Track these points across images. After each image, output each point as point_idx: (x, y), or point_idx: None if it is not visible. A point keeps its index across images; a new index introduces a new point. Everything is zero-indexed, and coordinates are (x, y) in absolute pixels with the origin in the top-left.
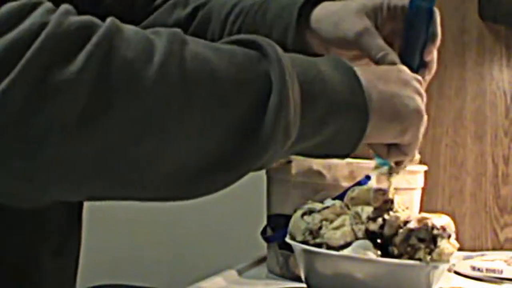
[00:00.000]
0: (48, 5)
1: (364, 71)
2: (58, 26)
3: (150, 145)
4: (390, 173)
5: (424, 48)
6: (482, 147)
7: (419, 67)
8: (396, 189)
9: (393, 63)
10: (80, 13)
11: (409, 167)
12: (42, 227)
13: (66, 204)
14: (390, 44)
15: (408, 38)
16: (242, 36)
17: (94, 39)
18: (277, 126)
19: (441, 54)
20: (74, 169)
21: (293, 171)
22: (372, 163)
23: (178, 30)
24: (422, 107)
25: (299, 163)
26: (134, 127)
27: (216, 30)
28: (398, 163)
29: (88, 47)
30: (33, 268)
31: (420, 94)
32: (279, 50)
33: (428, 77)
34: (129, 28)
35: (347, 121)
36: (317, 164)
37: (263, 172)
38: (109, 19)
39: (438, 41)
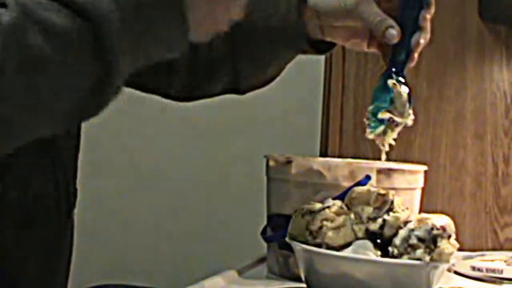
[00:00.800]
0: None
1: None
2: None
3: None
4: (385, 132)
5: (419, 14)
6: (482, 147)
7: (413, 32)
8: (396, 189)
9: (390, 27)
10: None
11: (410, 168)
12: (28, 230)
13: (53, 202)
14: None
15: (404, 5)
16: None
17: None
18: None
19: (441, 54)
20: None
21: (293, 171)
22: (372, 162)
23: (21, 14)
24: None
25: (299, 163)
26: None
27: None
28: (392, 121)
29: None
30: (19, 272)
31: None
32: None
33: (423, 41)
34: None
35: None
36: (317, 164)
37: (263, 172)
38: None
39: (432, 8)
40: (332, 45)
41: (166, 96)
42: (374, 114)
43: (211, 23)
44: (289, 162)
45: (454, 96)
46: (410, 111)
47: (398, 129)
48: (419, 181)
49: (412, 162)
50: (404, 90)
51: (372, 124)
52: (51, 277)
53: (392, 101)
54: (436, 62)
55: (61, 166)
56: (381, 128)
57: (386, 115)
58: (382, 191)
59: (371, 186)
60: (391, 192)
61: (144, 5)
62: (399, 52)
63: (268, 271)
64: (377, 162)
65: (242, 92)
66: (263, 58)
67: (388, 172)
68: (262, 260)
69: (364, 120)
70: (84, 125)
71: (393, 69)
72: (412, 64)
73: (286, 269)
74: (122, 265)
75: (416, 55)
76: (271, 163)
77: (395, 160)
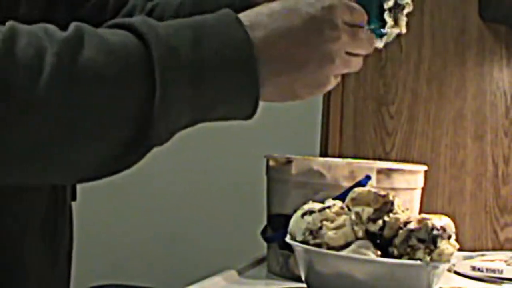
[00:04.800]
0: None
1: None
2: None
3: (50, 162)
4: (395, 20)
5: None
6: (482, 147)
7: None
8: (396, 189)
9: None
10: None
11: (410, 168)
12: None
13: (49, 205)
14: None
15: None
16: (123, 21)
17: None
18: (161, 127)
19: (441, 54)
20: None
21: (293, 171)
22: (372, 162)
23: (73, 32)
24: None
25: (299, 163)
26: (33, 148)
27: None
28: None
29: None
30: (19, 271)
31: (336, 39)
32: (160, 31)
33: None
34: (22, 40)
35: (236, 102)
36: (317, 164)
37: (263, 172)
38: (5, 29)
39: None
40: None
41: None
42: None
43: (285, 96)
44: (289, 162)
45: (454, 96)
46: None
47: (406, 10)
48: (419, 181)
49: (412, 162)
50: None
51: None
52: (51, 269)
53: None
54: (436, 62)
55: None
56: (390, 31)
57: (390, 3)
58: (383, 192)
59: (372, 187)
60: (392, 193)
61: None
62: None
63: (268, 271)
64: (377, 162)
65: None
66: None
67: (388, 172)
68: (262, 260)
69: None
70: None
71: None
72: None
73: (286, 269)
74: (122, 265)
75: None
76: (271, 163)
77: (395, 160)
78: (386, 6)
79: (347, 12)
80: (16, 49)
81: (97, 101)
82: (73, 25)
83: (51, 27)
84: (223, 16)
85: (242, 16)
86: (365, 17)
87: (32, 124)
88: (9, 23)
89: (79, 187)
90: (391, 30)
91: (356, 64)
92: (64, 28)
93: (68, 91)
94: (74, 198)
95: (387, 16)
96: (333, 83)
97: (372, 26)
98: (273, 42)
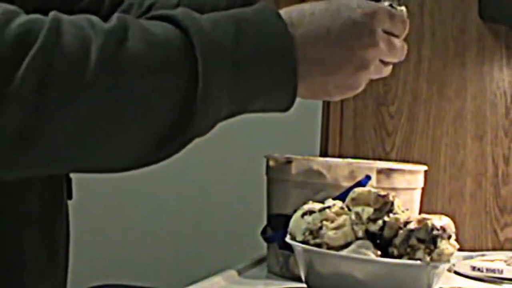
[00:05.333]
0: None
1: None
2: None
3: (90, 153)
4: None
5: None
6: (482, 147)
7: None
8: (396, 189)
9: None
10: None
11: (410, 168)
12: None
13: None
14: None
15: None
16: (165, 13)
17: (31, 53)
18: (204, 113)
19: (441, 54)
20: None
21: (293, 171)
22: (372, 162)
23: (117, 24)
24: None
25: (299, 163)
26: (72, 139)
27: None
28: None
29: (26, 62)
30: (18, 261)
31: (374, 45)
32: (204, 24)
33: None
34: (67, 31)
35: (274, 94)
36: (317, 164)
37: (263, 172)
38: (50, 19)
39: None
40: None
41: None
42: None
43: (321, 94)
44: (289, 162)
45: (454, 96)
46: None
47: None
48: (419, 181)
49: (412, 162)
50: None
51: None
52: (50, 268)
53: None
54: (436, 62)
55: None
56: None
57: (385, 4)
58: (383, 193)
59: (372, 187)
60: (392, 193)
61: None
62: None
63: (268, 271)
64: (377, 162)
65: None
66: None
67: (388, 172)
68: (262, 260)
69: None
70: None
71: None
72: None
73: (286, 269)
74: (122, 265)
75: None
76: (271, 163)
77: (395, 160)
78: None
79: (388, 20)
80: (62, 40)
81: (140, 91)
82: (116, 16)
83: (95, 18)
84: (263, 10)
85: (283, 12)
86: (406, 26)
87: (76, 114)
88: (53, 13)
89: (75, 185)
90: None
91: (387, 71)
92: None
93: (112, 82)
94: (70, 197)
95: None
96: (363, 86)
97: None
98: (312, 41)
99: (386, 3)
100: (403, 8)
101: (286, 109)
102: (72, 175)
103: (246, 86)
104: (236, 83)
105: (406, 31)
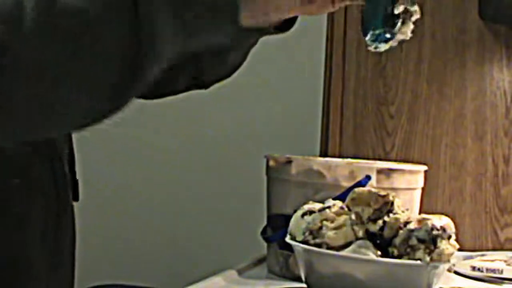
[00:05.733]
0: None
1: None
2: None
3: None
4: (403, 22)
5: None
6: (482, 147)
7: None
8: (395, 189)
9: None
10: None
11: (410, 168)
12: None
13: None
14: None
15: None
16: None
17: None
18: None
19: (441, 54)
20: None
21: (293, 171)
22: (372, 162)
23: None
24: None
25: (299, 163)
26: (15, 105)
27: None
28: (406, 12)
29: None
30: (23, 263)
31: None
32: None
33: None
34: None
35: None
36: (317, 164)
37: (263, 172)
38: None
39: None
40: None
41: None
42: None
43: (267, 10)
44: (289, 162)
45: (454, 96)
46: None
47: (414, 17)
48: (419, 181)
49: (412, 162)
50: None
51: (382, 39)
52: (55, 270)
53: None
54: (436, 62)
55: (56, 153)
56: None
57: (400, 8)
58: (383, 193)
59: (372, 187)
60: (392, 193)
61: None
62: None
63: (268, 271)
64: (377, 162)
65: (206, 86)
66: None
67: (388, 172)
68: (262, 260)
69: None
70: None
71: None
72: None
73: (286, 269)
74: (122, 265)
75: None
76: (271, 163)
77: (395, 160)
78: (396, 11)
79: None
80: None
81: (82, 42)
82: None
83: None
84: None
85: None
86: None
87: (20, 75)
88: None
89: (82, 188)
90: (397, 36)
91: None
92: None
93: (51, 38)
94: (76, 198)
95: (397, 22)
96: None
97: (377, 31)
98: None
99: (401, 7)
100: (416, 8)
101: (235, 39)
102: (78, 177)
103: (190, 20)
104: (179, 20)
105: None
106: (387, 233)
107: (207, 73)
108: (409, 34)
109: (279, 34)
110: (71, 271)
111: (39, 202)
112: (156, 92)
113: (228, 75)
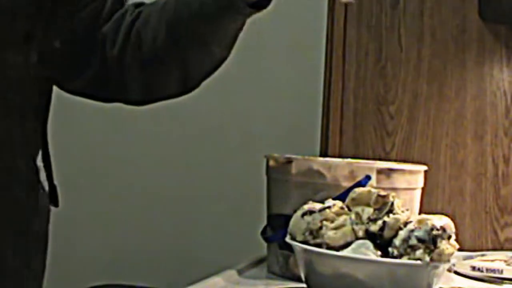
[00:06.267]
0: None
1: None
2: None
3: None
4: None
5: None
6: (482, 147)
7: None
8: (396, 189)
9: None
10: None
11: (410, 168)
12: None
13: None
14: None
15: None
16: None
17: None
18: None
19: (441, 54)
20: None
21: (293, 171)
22: (372, 162)
23: None
24: None
25: (299, 163)
26: None
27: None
28: None
29: None
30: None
31: None
32: None
33: None
34: None
35: None
36: (317, 164)
37: (263, 172)
38: None
39: None
40: None
41: (127, 102)
42: None
43: None
44: (289, 162)
45: (454, 96)
46: None
47: None
48: (419, 181)
49: (412, 162)
50: None
51: None
52: (25, 269)
53: None
54: (436, 62)
55: (22, 163)
56: None
57: None
58: (383, 193)
59: (372, 187)
60: (392, 193)
61: None
62: None
63: (268, 271)
64: (377, 162)
65: (196, 85)
66: (203, 32)
67: (388, 172)
68: (262, 260)
69: None
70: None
71: None
72: None
73: (286, 269)
74: (122, 265)
75: None
76: (271, 163)
77: (395, 160)
78: None
79: None
80: None
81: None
82: None
83: None
84: None
85: None
86: None
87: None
88: None
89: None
90: None
91: None
92: (66, 29)
93: None
94: (56, 204)
95: None
96: None
97: None
98: None
99: None
100: None
101: None
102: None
103: None
104: None
105: None
106: (387, 233)
107: (193, 71)
108: None
109: (257, 13)
110: (41, 271)
111: (10, 204)
112: (149, 97)
113: (214, 69)
